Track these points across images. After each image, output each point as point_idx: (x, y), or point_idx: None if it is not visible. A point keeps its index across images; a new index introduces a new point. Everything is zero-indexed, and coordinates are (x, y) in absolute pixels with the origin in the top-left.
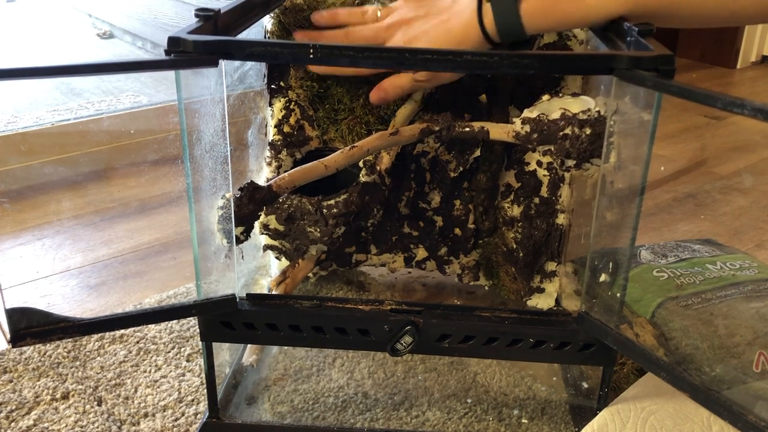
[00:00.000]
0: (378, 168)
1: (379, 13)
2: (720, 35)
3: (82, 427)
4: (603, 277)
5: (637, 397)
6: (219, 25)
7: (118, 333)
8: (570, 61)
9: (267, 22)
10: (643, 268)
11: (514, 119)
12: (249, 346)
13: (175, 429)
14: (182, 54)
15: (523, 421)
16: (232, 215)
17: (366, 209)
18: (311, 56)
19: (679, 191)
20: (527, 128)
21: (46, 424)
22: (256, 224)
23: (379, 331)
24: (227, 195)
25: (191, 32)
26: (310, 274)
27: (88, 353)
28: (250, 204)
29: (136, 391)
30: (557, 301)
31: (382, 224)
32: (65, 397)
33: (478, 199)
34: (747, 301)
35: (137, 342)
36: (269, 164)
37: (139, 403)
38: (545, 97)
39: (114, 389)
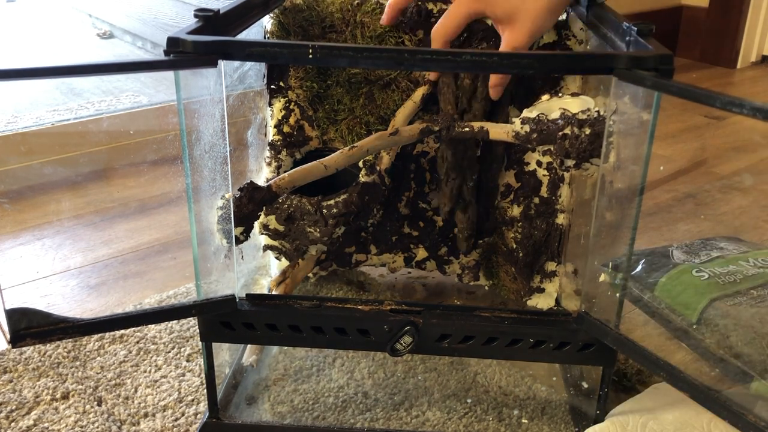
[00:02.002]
0: (378, 168)
1: None
2: (720, 35)
3: (82, 427)
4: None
5: (633, 410)
6: (218, 26)
7: (118, 333)
8: (570, 61)
9: (267, 22)
10: (682, 269)
11: (514, 119)
12: (249, 346)
13: (175, 429)
14: (181, 54)
15: (523, 421)
16: (232, 215)
17: (366, 209)
18: (310, 56)
19: (679, 191)
20: (527, 128)
21: (46, 424)
22: (256, 224)
23: (378, 331)
24: (227, 195)
25: (190, 32)
26: (310, 274)
27: (88, 353)
28: (249, 204)
29: (136, 391)
30: (557, 301)
31: (382, 224)
32: (65, 397)
33: (478, 199)
34: None
35: (137, 342)
36: (269, 164)
37: (139, 403)
38: (545, 97)
39: (114, 389)
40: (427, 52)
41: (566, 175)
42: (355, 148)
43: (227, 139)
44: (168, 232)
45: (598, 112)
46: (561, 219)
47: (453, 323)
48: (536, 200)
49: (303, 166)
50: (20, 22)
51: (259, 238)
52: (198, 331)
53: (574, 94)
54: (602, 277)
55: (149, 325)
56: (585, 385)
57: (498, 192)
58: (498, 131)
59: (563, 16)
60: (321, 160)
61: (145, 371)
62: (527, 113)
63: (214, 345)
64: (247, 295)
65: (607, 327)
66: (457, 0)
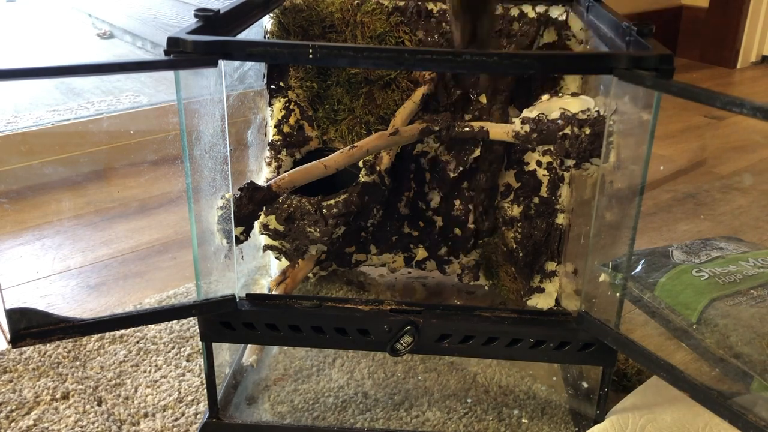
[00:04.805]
0: (378, 168)
1: None
2: (720, 35)
3: (82, 427)
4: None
5: (635, 407)
6: (218, 26)
7: (118, 333)
8: (570, 61)
9: (267, 22)
10: (681, 269)
11: (514, 119)
12: (249, 346)
13: (175, 429)
14: (182, 54)
15: (523, 421)
16: (232, 215)
17: (366, 209)
18: (310, 56)
19: (679, 191)
20: (527, 128)
21: (46, 424)
22: (256, 224)
23: (379, 331)
24: (227, 195)
25: (191, 32)
26: (310, 274)
27: (88, 353)
28: (249, 204)
29: (136, 391)
30: (557, 301)
31: (382, 224)
32: (65, 397)
33: (478, 199)
34: None
35: (137, 342)
36: (269, 164)
37: (139, 403)
38: (545, 97)
39: (114, 389)
40: (427, 52)
41: (566, 175)
42: (355, 148)
43: (227, 139)
44: (168, 232)
45: (598, 112)
46: (561, 219)
47: (453, 323)
48: (536, 200)
49: (303, 166)
50: (20, 22)
51: (259, 238)
52: (198, 331)
53: (574, 94)
54: (602, 277)
55: (149, 325)
56: (585, 385)
57: (498, 192)
58: (498, 131)
59: (563, 16)
60: (321, 160)
61: (145, 371)
62: (527, 113)
63: (214, 345)
64: (247, 295)
65: (607, 327)
66: None
